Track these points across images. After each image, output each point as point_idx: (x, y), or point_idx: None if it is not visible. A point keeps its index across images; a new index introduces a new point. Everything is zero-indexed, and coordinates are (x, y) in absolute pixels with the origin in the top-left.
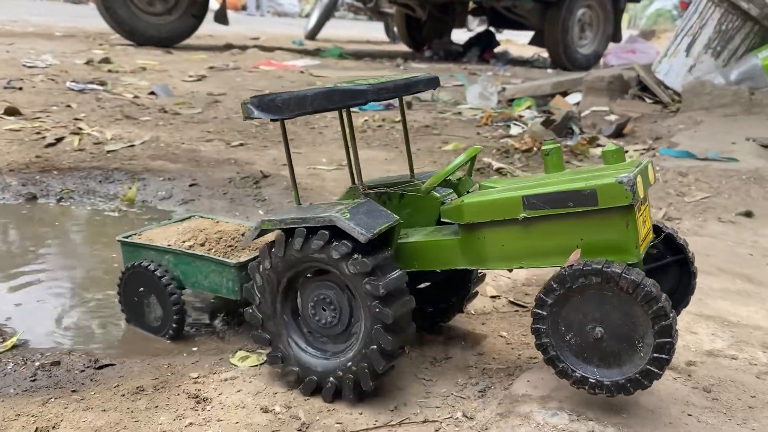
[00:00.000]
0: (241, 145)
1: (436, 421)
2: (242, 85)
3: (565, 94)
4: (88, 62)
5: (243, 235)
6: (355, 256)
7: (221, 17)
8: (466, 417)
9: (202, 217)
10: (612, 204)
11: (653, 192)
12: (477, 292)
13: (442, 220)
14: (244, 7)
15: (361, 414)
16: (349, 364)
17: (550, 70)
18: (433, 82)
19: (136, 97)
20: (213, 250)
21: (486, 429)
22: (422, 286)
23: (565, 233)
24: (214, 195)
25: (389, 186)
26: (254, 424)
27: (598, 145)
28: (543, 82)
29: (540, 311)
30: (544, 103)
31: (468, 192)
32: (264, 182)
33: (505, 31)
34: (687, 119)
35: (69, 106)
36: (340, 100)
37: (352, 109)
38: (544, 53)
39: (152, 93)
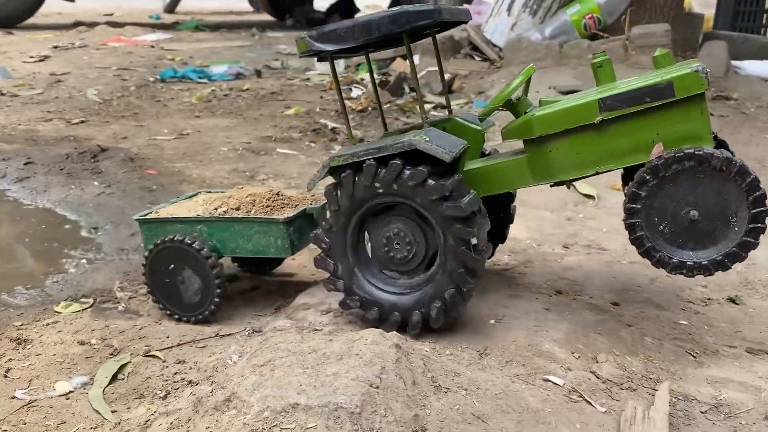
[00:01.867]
0: (82, 122)
1: (231, 334)
2: (89, 63)
3: (405, 56)
4: None
5: (275, 194)
6: (431, 181)
7: None
8: (255, 331)
9: (209, 192)
10: (688, 93)
11: None
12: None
13: (503, 140)
14: None
15: (167, 338)
16: (435, 293)
17: None
18: (468, 15)
19: None
20: (252, 212)
21: (268, 333)
22: None
23: (642, 130)
24: (50, 171)
25: (435, 124)
26: (71, 354)
27: (425, 102)
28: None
29: (634, 205)
30: (386, 66)
31: (527, 112)
32: (102, 156)
33: None
34: (507, 74)
35: None
36: (407, 22)
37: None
38: None
39: None
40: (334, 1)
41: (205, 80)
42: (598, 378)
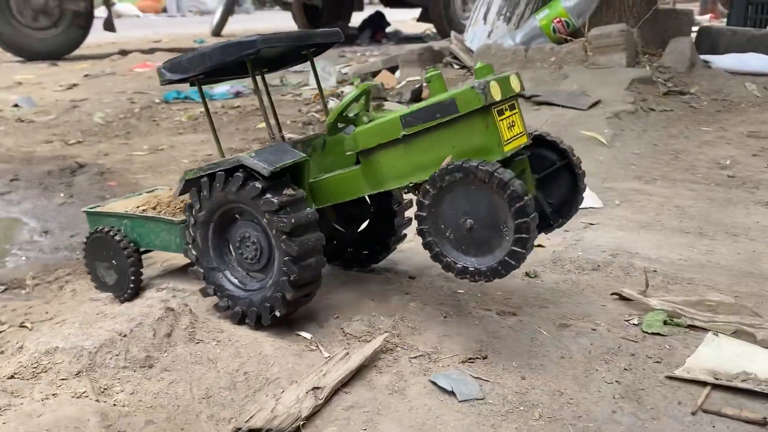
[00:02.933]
0: (79, 143)
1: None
2: (110, 89)
3: (395, 68)
4: None
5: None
6: (267, 195)
7: (109, 25)
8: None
9: (163, 189)
10: (469, 108)
11: None
12: (405, 235)
13: (346, 152)
14: (164, 10)
15: (46, 313)
16: (266, 294)
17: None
18: (334, 35)
19: None
20: (162, 212)
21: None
22: (360, 230)
23: (440, 144)
24: (30, 186)
25: (315, 138)
26: None
27: (383, 110)
28: (377, 59)
29: (421, 213)
30: (371, 78)
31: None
32: (79, 171)
33: (400, 9)
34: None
35: None
36: (235, 52)
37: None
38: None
39: (16, 105)
40: (366, 17)
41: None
42: (343, 333)
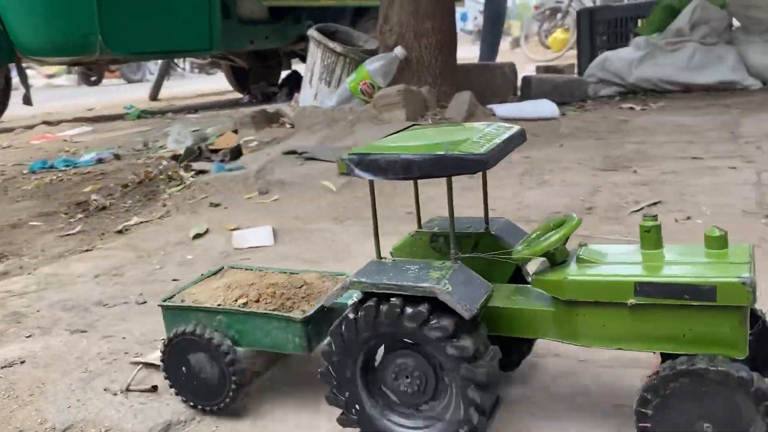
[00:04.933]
0: None
1: None
2: None
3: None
4: None
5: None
6: (458, 341)
7: (26, 100)
8: None
9: (232, 267)
10: (730, 303)
11: None
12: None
13: (532, 285)
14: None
15: None
16: None
17: None
18: (522, 137)
19: None
20: (272, 304)
21: None
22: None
23: (674, 323)
24: None
25: (464, 236)
26: None
27: (192, 170)
28: (229, 121)
29: (644, 424)
30: (210, 136)
31: (564, 261)
32: None
33: None
34: (294, 138)
35: None
36: (453, 168)
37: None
38: None
39: None
40: (284, 76)
41: (70, 167)
42: None
